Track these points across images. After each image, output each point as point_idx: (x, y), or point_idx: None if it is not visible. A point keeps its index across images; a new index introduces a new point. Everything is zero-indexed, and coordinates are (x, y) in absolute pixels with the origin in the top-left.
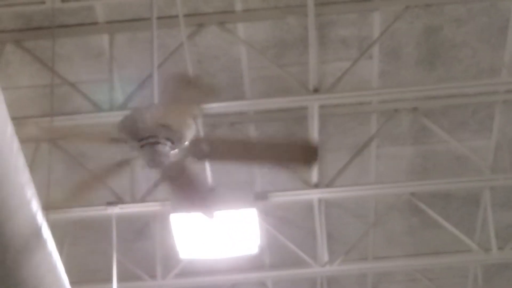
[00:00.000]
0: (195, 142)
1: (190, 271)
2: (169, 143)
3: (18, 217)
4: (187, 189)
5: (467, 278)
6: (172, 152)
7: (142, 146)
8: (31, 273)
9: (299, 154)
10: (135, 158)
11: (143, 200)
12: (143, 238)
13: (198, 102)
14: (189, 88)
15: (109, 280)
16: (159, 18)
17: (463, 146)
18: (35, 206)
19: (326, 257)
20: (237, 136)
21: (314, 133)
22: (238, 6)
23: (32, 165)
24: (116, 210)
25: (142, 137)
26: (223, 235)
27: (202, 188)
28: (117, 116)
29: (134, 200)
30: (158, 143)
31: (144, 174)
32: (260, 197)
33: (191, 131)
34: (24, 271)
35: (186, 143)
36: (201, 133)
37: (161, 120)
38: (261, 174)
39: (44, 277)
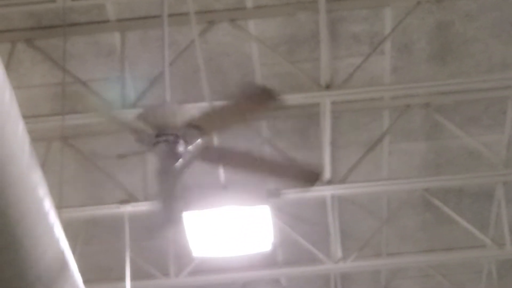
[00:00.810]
0: (206, 148)
1: (203, 268)
2: (184, 144)
3: (30, 217)
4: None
5: (481, 274)
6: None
7: (158, 142)
8: (43, 273)
9: (302, 176)
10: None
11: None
12: (156, 236)
13: (248, 117)
14: (256, 100)
15: (122, 278)
16: (170, 15)
17: (475, 141)
18: (48, 205)
19: (339, 254)
20: (246, 149)
21: (326, 130)
22: (249, 3)
23: (44, 164)
24: (128, 208)
25: (163, 132)
26: (235, 233)
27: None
28: (128, 114)
29: (146, 198)
30: (176, 141)
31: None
32: (273, 194)
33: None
34: (36, 271)
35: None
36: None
37: (188, 120)
38: None
39: (57, 277)
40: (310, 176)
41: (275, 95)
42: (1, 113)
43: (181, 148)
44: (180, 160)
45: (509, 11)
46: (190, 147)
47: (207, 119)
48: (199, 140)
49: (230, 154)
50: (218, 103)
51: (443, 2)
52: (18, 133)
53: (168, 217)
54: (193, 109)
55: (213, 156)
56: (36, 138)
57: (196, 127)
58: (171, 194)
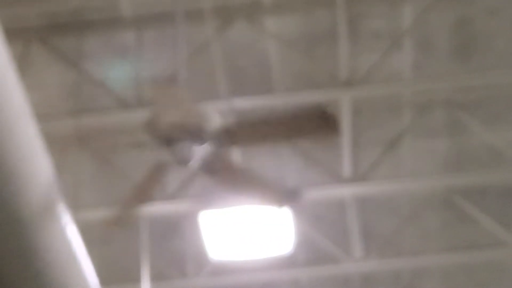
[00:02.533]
0: (222, 132)
1: (221, 269)
2: (197, 140)
3: (44, 220)
4: (231, 178)
5: (505, 273)
6: (200, 147)
7: (169, 144)
8: (57, 276)
9: (320, 124)
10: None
11: (173, 198)
12: (174, 236)
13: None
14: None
15: (140, 279)
16: (186, 12)
17: (499, 138)
18: (61, 207)
19: (360, 253)
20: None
21: (346, 127)
22: None
23: (60, 164)
24: (145, 209)
25: (167, 136)
26: (254, 234)
27: (244, 174)
28: (144, 113)
29: (164, 198)
30: (181, 140)
31: (173, 172)
32: (292, 193)
33: (214, 124)
34: (50, 273)
35: (213, 134)
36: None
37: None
38: (292, 170)
39: (71, 279)
40: (288, 196)
41: (336, 123)
42: (12, 115)
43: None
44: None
45: None
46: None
47: (246, 130)
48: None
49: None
50: (263, 113)
51: None
52: (30, 134)
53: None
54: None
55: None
56: (51, 138)
57: (230, 134)
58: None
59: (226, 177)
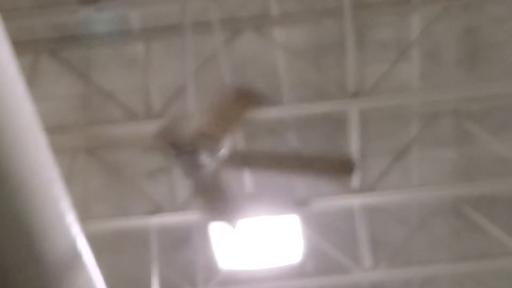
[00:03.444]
0: (232, 153)
1: (231, 279)
2: (207, 153)
3: (52, 231)
4: (215, 200)
5: None
6: (209, 161)
7: (179, 155)
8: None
9: (336, 168)
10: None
11: (182, 208)
12: (183, 246)
13: (244, 114)
14: (238, 101)
15: None
16: (194, 24)
17: (507, 147)
18: (70, 218)
19: (369, 262)
20: (273, 149)
21: (354, 137)
22: (274, 10)
23: (70, 175)
24: (155, 219)
25: (179, 146)
26: (264, 244)
27: (231, 200)
28: (153, 124)
29: (173, 209)
30: (196, 152)
31: (183, 182)
32: (301, 203)
33: (229, 142)
34: (60, 283)
35: (223, 153)
36: (241, 142)
37: (200, 130)
38: (302, 180)
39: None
40: (345, 167)
41: (256, 97)
42: (22, 126)
43: (202, 158)
44: (206, 169)
45: None
46: (213, 155)
47: (211, 126)
48: (223, 148)
49: (257, 156)
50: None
51: (470, 7)
52: (39, 146)
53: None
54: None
55: (240, 160)
56: (60, 149)
57: (208, 135)
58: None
59: (210, 198)
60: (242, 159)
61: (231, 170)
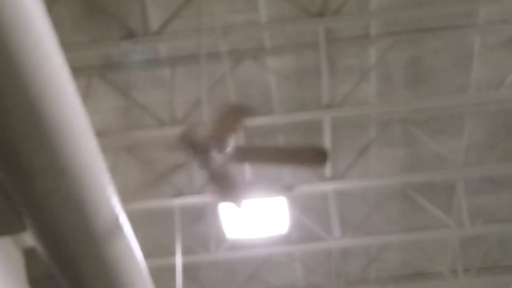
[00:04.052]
0: (236, 149)
1: (235, 245)
2: (216, 150)
3: (101, 209)
4: (226, 186)
5: (447, 248)
6: (218, 156)
7: (196, 152)
8: (113, 251)
9: (313, 157)
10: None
11: (199, 192)
12: (200, 221)
13: (239, 121)
14: (232, 113)
15: (174, 253)
16: (207, 54)
17: (441, 147)
18: (114, 200)
19: (338, 233)
20: (266, 145)
21: (327, 139)
22: (267, 44)
23: (113, 169)
24: (178, 201)
25: (196, 145)
26: (259, 218)
27: (237, 186)
28: (177, 130)
29: (192, 193)
30: (208, 150)
31: (199, 173)
32: (287, 188)
33: (232, 142)
34: (107, 251)
35: (229, 150)
36: (241, 142)
37: (211, 134)
38: (288, 171)
39: (123, 254)
40: (320, 157)
41: (246, 109)
42: (78, 131)
43: (213, 154)
44: (216, 162)
45: (466, 46)
46: (222, 152)
47: (256, 151)
48: (228, 147)
49: (255, 150)
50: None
51: (414, 41)
52: (91, 146)
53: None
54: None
55: (242, 154)
56: (107, 149)
57: (216, 137)
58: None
59: (221, 185)
60: (243, 154)
61: (236, 162)
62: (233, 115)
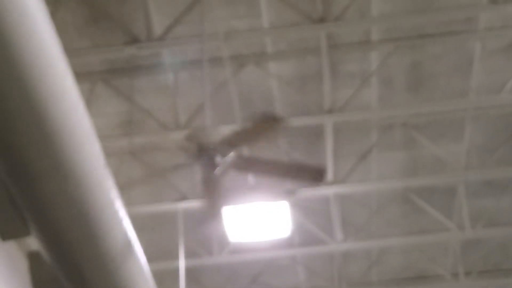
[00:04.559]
0: (238, 158)
1: (238, 249)
2: (220, 156)
3: (105, 213)
4: (213, 193)
5: (448, 250)
6: (221, 162)
7: (198, 156)
8: (116, 255)
9: (311, 174)
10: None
11: (202, 196)
12: (202, 225)
13: (272, 131)
14: (267, 122)
15: (178, 257)
16: (210, 59)
17: (442, 150)
18: (118, 204)
19: (340, 236)
20: (267, 157)
21: (329, 143)
22: (269, 49)
23: (117, 173)
24: (182, 205)
25: (198, 149)
26: (262, 222)
27: (220, 196)
28: (180, 134)
29: (195, 197)
30: (213, 154)
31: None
32: (290, 192)
33: (237, 150)
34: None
35: (232, 158)
36: (245, 152)
37: (222, 139)
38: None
39: (127, 257)
40: (317, 175)
41: (281, 119)
42: (82, 136)
43: (218, 159)
44: (219, 168)
45: (466, 52)
46: (225, 158)
47: (235, 138)
48: (231, 153)
49: (255, 161)
50: (241, 126)
51: (415, 46)
52: (95, 151)
53: (212, 212)
54: (224, 130)
55: (242, 164)
56: (111, 152)
57: (228, 143)
58: (214, 194)
59: (255, 170)
60: (244, 163)
61: (236, 171)
62: (266, 125)
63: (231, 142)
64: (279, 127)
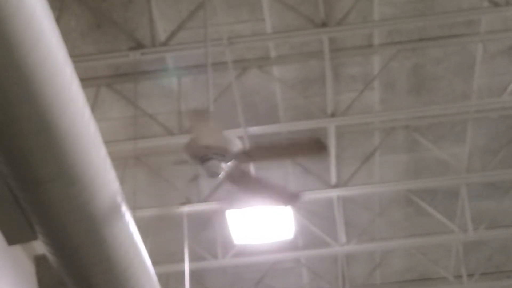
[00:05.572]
0: (241, 152)
1: (243, 252)
2: (220, 158)
3: (111, 217)
4: (249, 185)
5: (451, 253)
6: (225, 164)
7: (203, 161)
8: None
9: (312, 148)
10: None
11: (206, 200)
12: (207, 228)
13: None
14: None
15: (182, 260)
16: (214, 63)
17: (444, 153)
18: (124, 208)
19: (344, 239)
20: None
21: (332, 147)
22: (273, 53)
23: (123, 177)
24: (186, 208)
25: (203, 154)
26: (266, 225)
27: (258, 183)
28: (184, 138)
29: (199, 200)
30: (211, 159)
31: (206, 181)
32: (294, 195)
33: (235, 147)
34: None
35: (234, 155)
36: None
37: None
38: (294, 179)
39: (132, 260)
40: (318, 146)
41: (324, 148)
42: (88, 141)
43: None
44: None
45: (468, 55)
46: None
47: (259, 151)
48: (231, 153)
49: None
50: (270, 141)
51: (417, 50)
52: (101, 155)
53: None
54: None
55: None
56: (116, 157)
57: (247, 155)
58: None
59: (245, 185)
60: (247, 156)
61: (242, 165)
62: (309, 148)
63: (252, 155)
64: (322, 153)
